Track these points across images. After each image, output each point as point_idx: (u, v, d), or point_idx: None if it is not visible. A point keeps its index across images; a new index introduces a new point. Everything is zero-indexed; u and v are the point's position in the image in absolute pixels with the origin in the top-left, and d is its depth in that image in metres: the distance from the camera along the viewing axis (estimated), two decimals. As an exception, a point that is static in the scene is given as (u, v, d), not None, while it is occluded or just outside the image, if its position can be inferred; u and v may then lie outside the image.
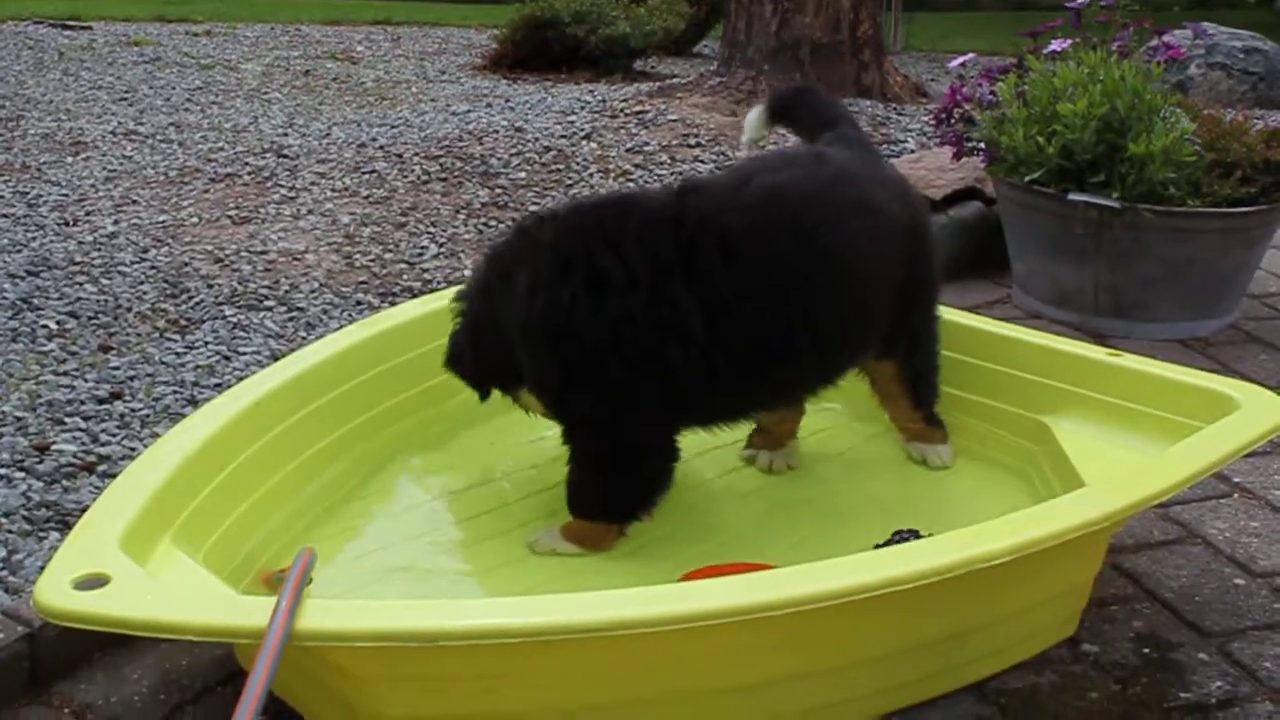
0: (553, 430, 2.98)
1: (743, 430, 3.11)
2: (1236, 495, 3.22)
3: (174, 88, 8.32)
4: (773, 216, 2.66)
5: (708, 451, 3.12)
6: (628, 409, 2.68)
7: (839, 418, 3.36)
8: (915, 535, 2.60)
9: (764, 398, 2.87)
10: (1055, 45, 4.47)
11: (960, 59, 4.95)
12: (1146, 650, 2.58)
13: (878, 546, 2.54)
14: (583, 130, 6.36)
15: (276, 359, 3.49)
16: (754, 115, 3.31)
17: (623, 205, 2.76)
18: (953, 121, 4.62)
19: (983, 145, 4.45)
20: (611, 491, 2.76)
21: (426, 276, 4.53)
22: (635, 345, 2.59)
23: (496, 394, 2.99)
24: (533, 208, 5.28)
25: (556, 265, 2.63)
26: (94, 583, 1.99)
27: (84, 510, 2.35)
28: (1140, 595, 2.78)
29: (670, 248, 2.60)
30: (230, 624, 1.94)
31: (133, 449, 3.10)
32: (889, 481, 3.11)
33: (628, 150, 6.09)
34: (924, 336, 3.05)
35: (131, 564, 2.08)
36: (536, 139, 6.19)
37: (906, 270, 2.86)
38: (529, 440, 3.17)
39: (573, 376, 2.67)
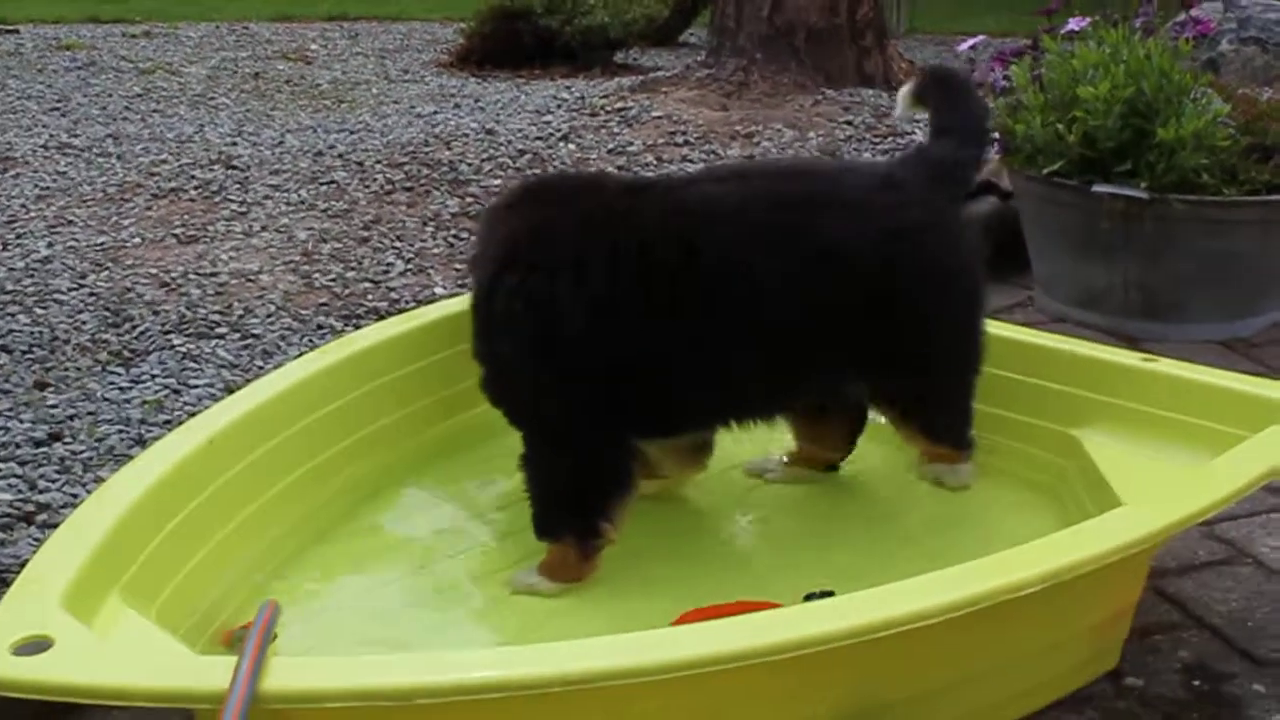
0: None
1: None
2: (1288, 509, 3.22)
3: (111, 95, 8.32)
4: (673, 228, 2.80)
5: (723, 472, 3.16)
6: (575, 410, 2.80)
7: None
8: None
9: (697, 410, 2.93)
10: (1073, 24, 4.49)
11: (970, 41, 4.96)
12: (1196, 682, 2.57)
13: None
14: (559, 131, 6.38)
15: (231, 391, 3.48)
16: (903, 92, 3.30)
17: (571, 198, 2.97)
18: (963, 110, 4.62)
19: (997, 135, 4.45)
20: (565, 501, 2.82)
21: (393, 295, 4.52)
22: (576, 344, 2.74)
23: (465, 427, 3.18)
24: (507, 217, 5.27)
25: (501, 262, 2.82)
26: (35, 646, 1.97)
27: (22, 566, 2.32)
28: (1187, 622, 2.77)
29: (604, 248, 2.76)
30: (186, 688, 1.92)
31: (75, 495, 3.08)
32: (902, 506, 3.11)
33: (609, 151, 6.10)
34: (917, 362, 2.94)
35: (76, 624, 2.05)
36: (509, 142, 6.19)
37: (866, 297, 2.80)
38: (509, 474, 3.15)
39: (518, 374, 2.83)
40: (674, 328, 2.75)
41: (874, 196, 2.88)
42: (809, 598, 2.46)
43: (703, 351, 2.76)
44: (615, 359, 2.74)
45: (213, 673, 1.91)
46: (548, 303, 2.73)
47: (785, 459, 3.23)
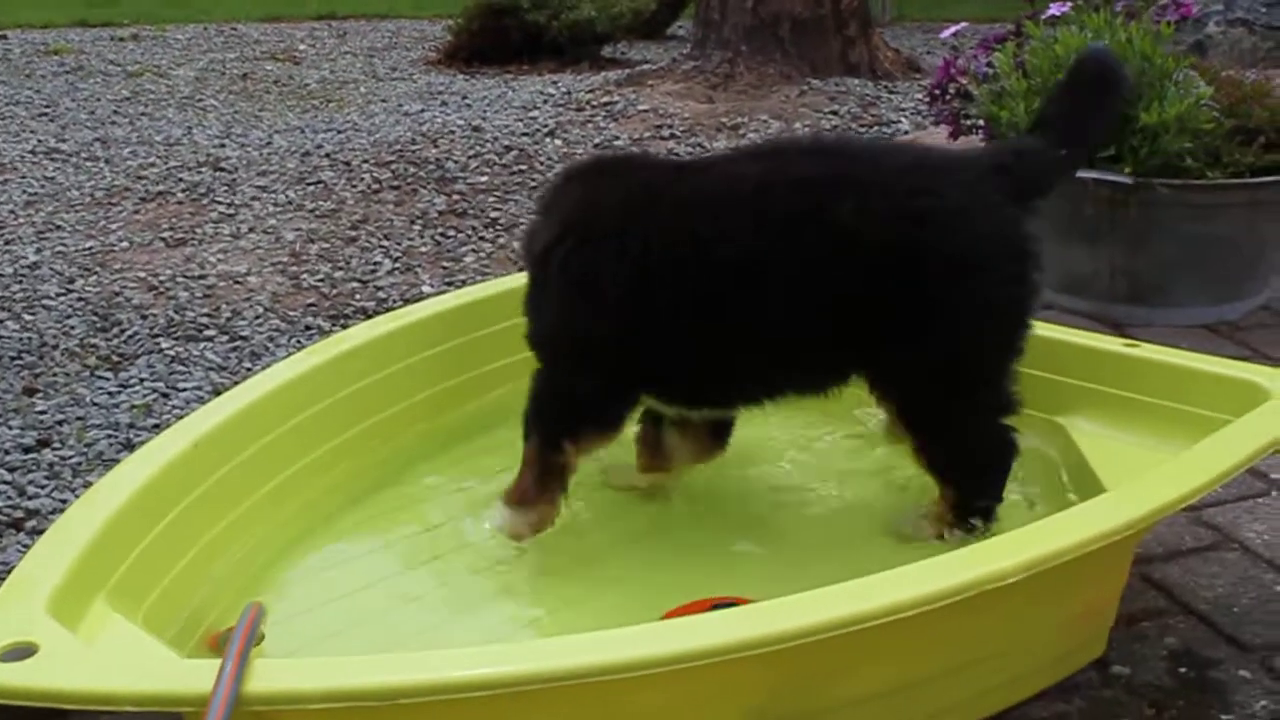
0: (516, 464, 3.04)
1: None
2: (1275, 493, 3.22)
3: (99, 99, 8.32)
4: (698, 205, 2.82)
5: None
6: (596, 364, 2.87)
7: (826, 433, 3.36)
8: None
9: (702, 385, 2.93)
10: (1055, 8, 4.48)
11: (953, 28, 4.96)
12: (1182, 669, 2.58)
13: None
14: (546, 126, 6.38)
15: (219, 393, 3.48)
16: None
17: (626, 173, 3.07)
18: (947, 98, 4.63)
19: (981, 122, 4.44)
20: (547, 411, 2.92)
21: (381, 295, 4.52)
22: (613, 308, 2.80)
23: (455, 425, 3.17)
24: (494, 214, 5.28)
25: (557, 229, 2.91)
26: (20, 652, 1.97)
27: (10, 572, 2.33)
28: (1173, 609, 2.77)
29: (642, 221, 2.82)
30: (170, 691, 1.92)
31: (64, 501, 3.10)
32: (879, 495, 3.11)
33: (596, 146, 6.10)
34: (907, 350, 2.80)
35: (61, 629, 2.06)
36: (496, 138, 6.19)
37: (869, 289, 2.72)
38: (496, 472, 3.16)
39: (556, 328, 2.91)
40: (696, 302, 2.77)
41: (900, 178, 2.78)
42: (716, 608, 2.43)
43: (722, 325, 2.77)
44: (646, 326, 2.79)
45: (197, 676, 1.90)
46: (592, 269, 2.81)
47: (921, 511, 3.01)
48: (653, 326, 2.80)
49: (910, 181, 2.75)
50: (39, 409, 3.62)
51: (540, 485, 2.87)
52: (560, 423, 2.91)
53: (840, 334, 2.77)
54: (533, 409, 2.94)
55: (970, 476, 2.87)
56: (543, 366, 2.96)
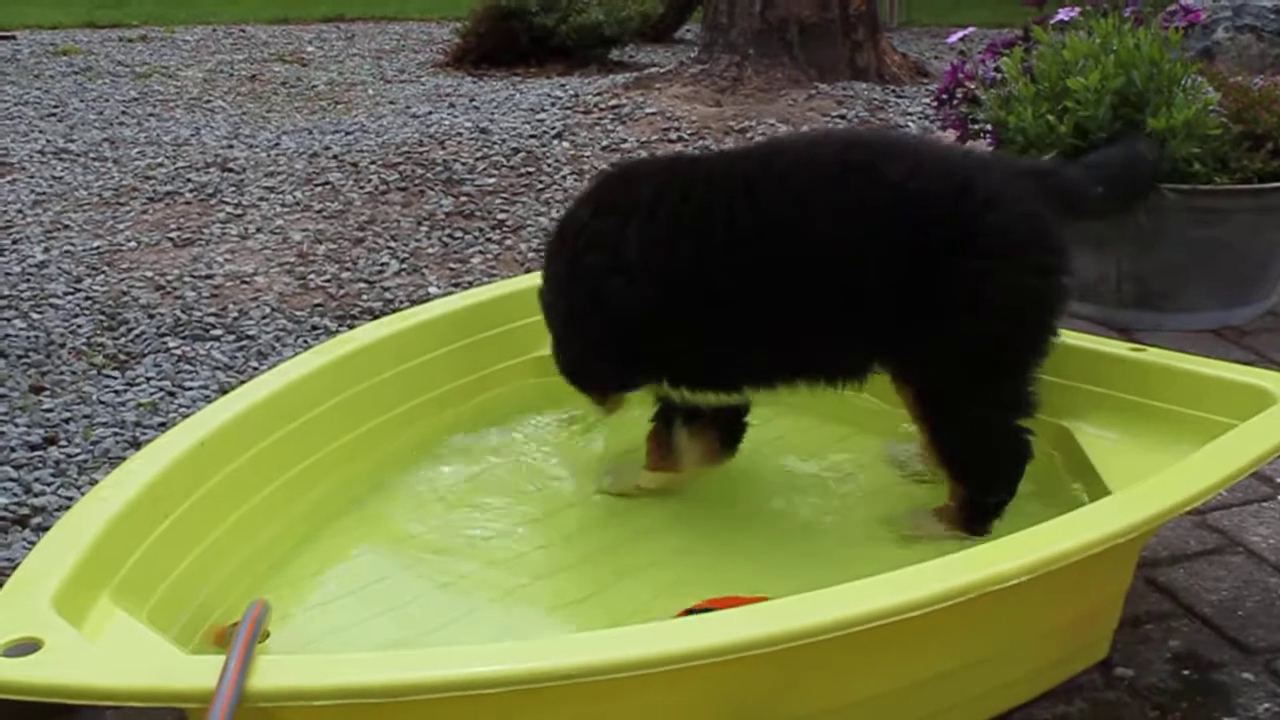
0: (527, 458, 3.16)
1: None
2: (1280, 497, 3.23)
3: (107, 100, 8.33)
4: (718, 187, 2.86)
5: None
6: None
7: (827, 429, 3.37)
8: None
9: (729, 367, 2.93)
10: (1063, 14, 4.47)
11: (960, 33, 4.95)
12: (1186, 672, 2.58)
13: None
14: (553, 129, 6.38)
15: (225, 393, 3.48)
16: None
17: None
18: (955, 102, 4.63)
19: (989, 127, 4.45)
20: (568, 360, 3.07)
21: (388, 295, 4.53)
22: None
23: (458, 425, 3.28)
24: (501, 215, 5.29)
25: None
26: (25, 648, 1.98)
27: (16, 568, 2.34)
28: (1177, 612, 2.78)
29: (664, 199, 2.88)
30: (174, 687, 1.93)
31: (70, 498, 3.10)
32: (895, 497, 3.10)
33: (603, 149, 6.10)
34: (951, 365, 2.79)
35: (66, 626, 2.06)
36: (504, 140, 6.20)
37: (905, 259, 2.72)
38: (504, 470, 3.17)
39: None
40: (710, 277, 2.80)
41: (947, 156, 2.85)
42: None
43: (737, 302, 2.79)
44: (662, 301, 2.82)
45: (201, 672, 1.91)
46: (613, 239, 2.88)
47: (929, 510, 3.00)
48: (677, 297, 2.82)
49: (955, 161, 2.82)
50: (46, 407, 3.62)
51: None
52: (584, 372, 3.06)
53: (869, 309, 2.76)
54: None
55: (981, 474, 2.87)
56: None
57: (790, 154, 2.89)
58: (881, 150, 2.82)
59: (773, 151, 2.98)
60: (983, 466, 2.87)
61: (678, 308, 2.82)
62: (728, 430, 3.12)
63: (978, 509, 2.84)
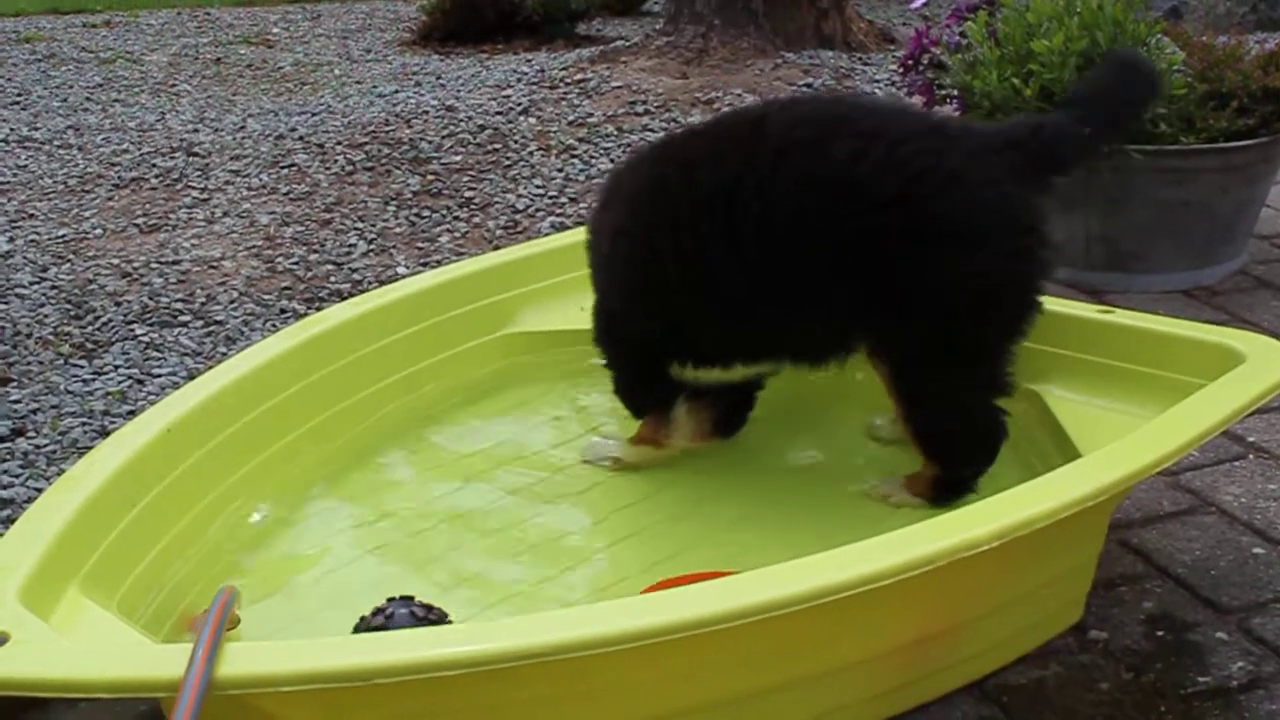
0: (492, 441, 3.17)
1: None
2: (1252, 456, 3.23)
3: (71, 86, 8.27)
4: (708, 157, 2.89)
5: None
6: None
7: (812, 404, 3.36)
8: (408, 602, 2.42)
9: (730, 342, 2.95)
10: (1026, -24, 4.46)
11: (922, -1, 4.95)
12: (1160, 633, 2.59)
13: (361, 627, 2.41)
14: (520, 105, 6.36)
15: (194, 379, 3.47)
16: None
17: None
18: (921, 68, 4.61)
19: (955, 92, 4.44)
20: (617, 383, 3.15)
21: (356, 277, 4.51)
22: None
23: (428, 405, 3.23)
24: (468, 193, 5.27)
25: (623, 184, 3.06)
26: (-8, 642, 1.97)
27: (-16, 562, 2.32)
28: (1150, 573, 2.79)
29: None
30: (143, 677, 1.92)
31: (39, 490, 3.08)
32: (858, 462, 3.11)
33: (570, 124, 6.08)
34: (923, 345, 2.78)
35: (33, 618, 2.06)
36: (470, 117, 6.18)
37: (869, 243, 2.72)
38: (476, 449, 3.16)
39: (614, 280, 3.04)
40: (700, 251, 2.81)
41: (907, 138, 2.76)
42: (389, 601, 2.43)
43: (728, 272, 2.79)
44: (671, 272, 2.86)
45: (170, 661, 1.90)
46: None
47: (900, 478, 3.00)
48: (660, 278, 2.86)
49: (915, 137, 2.73)
50: (13, 398, 3.60)
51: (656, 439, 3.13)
52: (630, 395, 3.16)
53: (836, 291, 2.75)
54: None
55: (953, 453, 2.86)
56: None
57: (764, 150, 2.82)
58: (833, 126, 2.77)
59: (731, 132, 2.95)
60: (954, 446, 2.87)
61: (671, 282, 2.86)
62: (725, 414, 3.12)
63: (947, 485, 2.84)
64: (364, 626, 2.36)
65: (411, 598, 2.41)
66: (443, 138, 5.93)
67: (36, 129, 6.95)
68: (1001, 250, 2.71)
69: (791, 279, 2.75)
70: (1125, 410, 2.84)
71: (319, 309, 4.09)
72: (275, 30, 10.92)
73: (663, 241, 2.83)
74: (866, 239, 2.68)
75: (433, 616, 2.37)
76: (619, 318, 3.06)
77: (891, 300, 2.71)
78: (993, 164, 2.72)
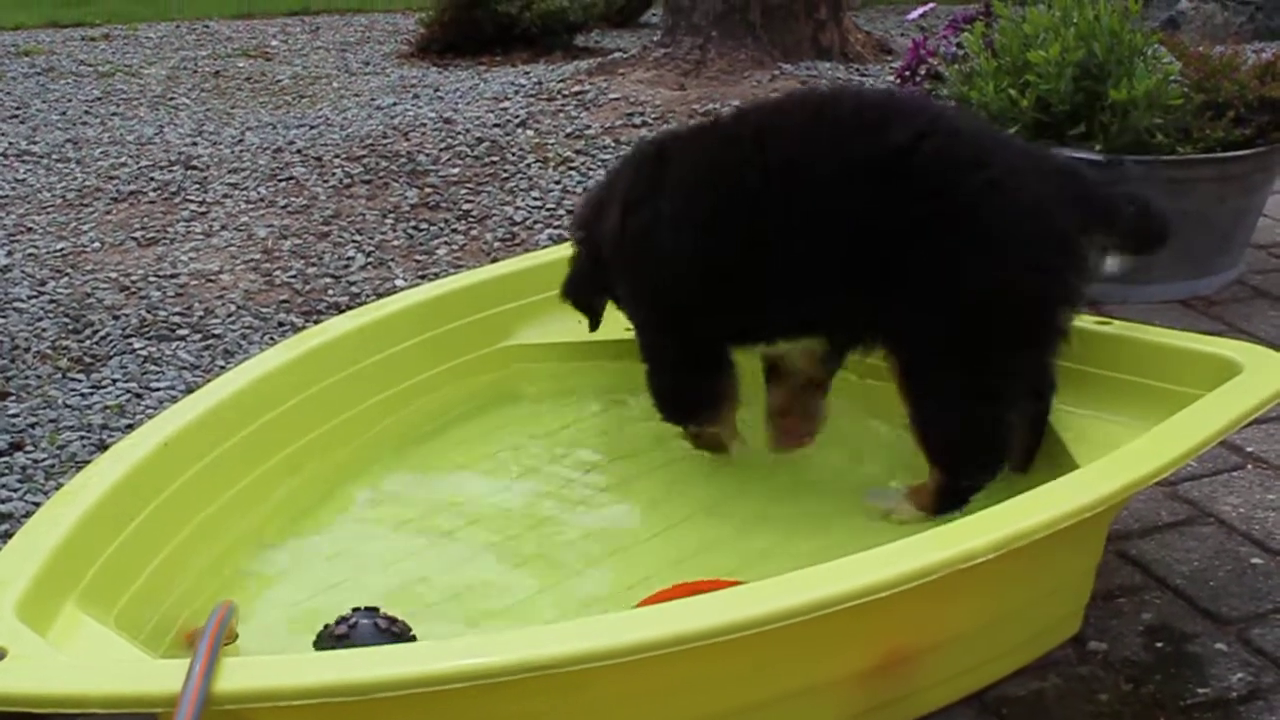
0: (504, 452, 3.20)
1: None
2: (1250, 466, 3.23)
3: (70, 100, 8.27)
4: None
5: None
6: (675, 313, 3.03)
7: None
8: (371, 614, 2.43)
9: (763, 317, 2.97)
10: (1023, -12, 4.48)
11: (920, 10, 4.96)
12: (1159, 644, 2.58)
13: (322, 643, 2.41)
14: (517, 117, 6.36)
15: (192, 392, 3.47)
16: None
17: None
18: (918, 79, 4.63)
19: (952, 103, 4.44)
20: (663, 396, 3.14)
21: (354, 290, 4.51)
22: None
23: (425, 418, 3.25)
24: (466, 206, 5.27)
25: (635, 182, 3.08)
26: (-11, 658, 1.97)
27: (-20, 576, 2.32)
28: (1149, 584, 2.78)
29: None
30: (139, 692, 1.92)
31: (37, 504, 3.07)
32: (857, 475, 3.11)
33: (567, 135, 6.08)
34: (928, 333, 2.78)
35: (30, 634, 2.06)
36: (468, 130, 6.17)
37: (907, 229, 2.72)
38: (473, 467, 3.17)
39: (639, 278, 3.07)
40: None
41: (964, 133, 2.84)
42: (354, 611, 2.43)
43: (746, 252, 2.86)
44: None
45: (168, 676, 1.90)
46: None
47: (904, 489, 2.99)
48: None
49: (971, 140, 2.82)
50: (11, 412, 3.60)
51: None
52: (680, 406, 3.20)
53: (862, 271, 2.77)
54: (656, 400, 3.18)
55: (956, 461, 2.85)
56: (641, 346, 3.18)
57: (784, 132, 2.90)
58: (897, 112, 2.85)
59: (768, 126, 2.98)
60: (958, 454, 2.85)
61: (713, 257, 2.90)
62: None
63: (949, 494, 2.83)
64: (327, 635, 2.37)
65: (376, 609, 2.42)
66: (440, 150, 5.93)
67: (35, 142, 6.95)
68: (1030, 261, 2.72)
69: (833, 257, 2.78)
70: (1123, 421, 2.84)
71: (317, 322, 4.08)
72: (274, 43, 10.92)
73: (734, 220, 2.87)
74: (908, 225, 2.70)
75: (395, 629, 2.38)
76: (677, 314, 3.04)
77: (913, 291, 2.73)
78: (1040, 181, 2.76)
